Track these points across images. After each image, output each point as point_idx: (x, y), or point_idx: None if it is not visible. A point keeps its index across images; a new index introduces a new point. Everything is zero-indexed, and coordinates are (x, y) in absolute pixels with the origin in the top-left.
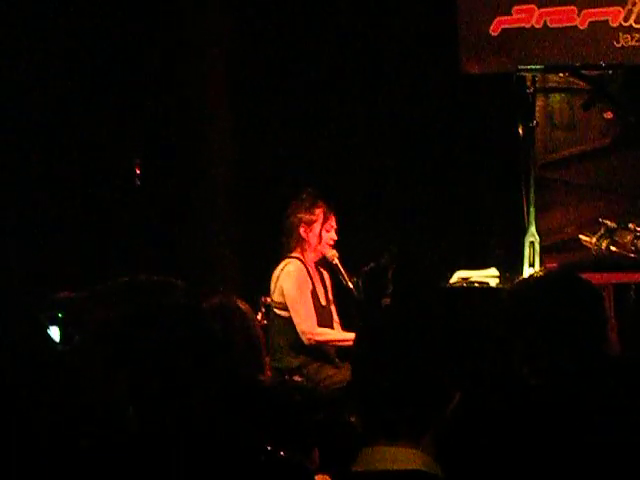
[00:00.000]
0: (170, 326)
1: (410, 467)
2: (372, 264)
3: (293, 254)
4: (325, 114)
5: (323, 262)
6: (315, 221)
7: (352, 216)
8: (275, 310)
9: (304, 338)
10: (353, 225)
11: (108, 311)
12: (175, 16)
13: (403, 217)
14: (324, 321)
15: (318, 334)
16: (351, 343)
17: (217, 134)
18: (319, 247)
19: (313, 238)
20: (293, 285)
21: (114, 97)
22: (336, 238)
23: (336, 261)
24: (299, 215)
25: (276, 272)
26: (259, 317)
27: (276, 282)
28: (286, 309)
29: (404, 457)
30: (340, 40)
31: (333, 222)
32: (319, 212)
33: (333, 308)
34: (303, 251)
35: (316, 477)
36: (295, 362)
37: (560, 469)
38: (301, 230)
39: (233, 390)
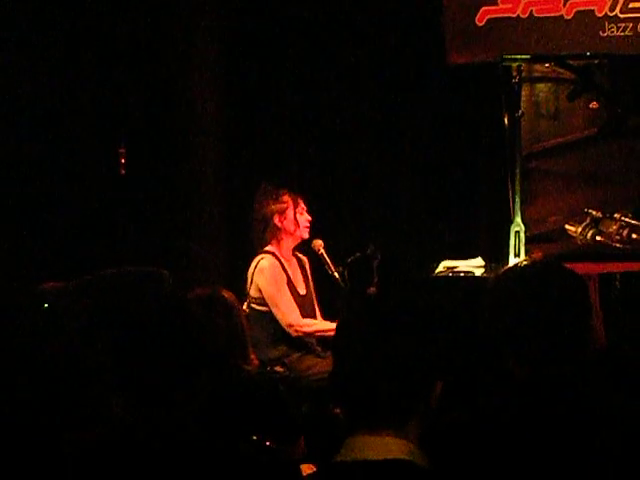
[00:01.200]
0: (155, 317)
1: (395, 456)
2: (358, 254)
3: (267, 248)
4: (309, 105)
5: (303, 249)
6: (287, 207)
7: (337, 206)
8: (252, 305)
9: (291, 331)
10: (338, 215)
11: (96, 303)
12: (165, 10)
13: (389, 207)
14: (305, 310)
15: (305, 325)
16: None
17: (206, 128)
18: (298, 232)
19: (289, 225)
20: (268, 282)
21: (101, 89)
22: (310, 219)
23: (322, 251)
24: (270, 206)
25: (250, 268)
26: (244, 307)
27: (251, 278)
28: (263, 304)
29: (389, 446)
30: (325, 30)
31: (302, 204)
32: (287, 198)
33: (316, 305)
34: (279, 241)
35: (302, 466)
36: (276, 353)
37: (545, 460)
38: (275, 220)
39: (218, 380)
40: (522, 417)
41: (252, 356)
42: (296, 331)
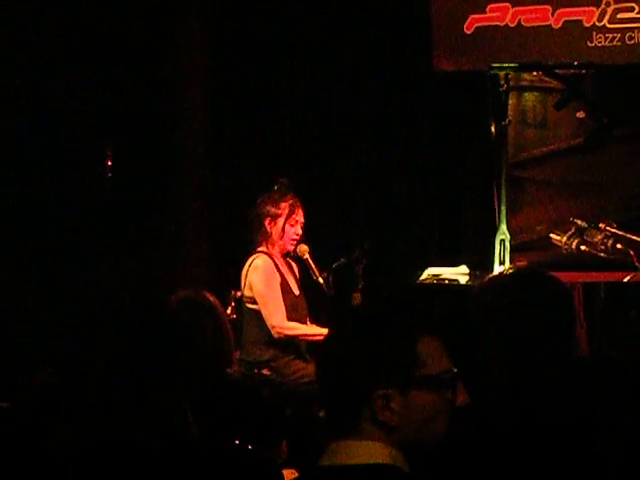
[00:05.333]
0: (137, 326)
1: (377, 461)
2: (343, 260)
3: (260, 248)
4: (298, 108)
5: (292, 255)
6: (280, 215)
7: (323, 211)
8: (246, 305)
9: (273, 332)
10: (324, 220)
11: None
12: (152, 8)
13: (375, 213)
14: (298, 311)
15: (288, 328)
16: (322, 338)
17: (192, 127)
18: (281, 242)
19: (277, 233)
20: (260, 280)
21: (86, 89)
22: (300, 233)
23: (307, 256)
24: (266, 208)
25: (245, 268)
26: (229, 311)
27: (245, 277)
28: (256, 303)
29: (371, 451)
30: (312, 35)
31: (299, 216)
32: (285, 206)
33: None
34: (270, 244)
35: (284, 471)
36: (265, 355)
37: (524, 463)
38: (266, 223)
39: (201, 384)
40: (503, 423)
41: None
42: (278, 333)
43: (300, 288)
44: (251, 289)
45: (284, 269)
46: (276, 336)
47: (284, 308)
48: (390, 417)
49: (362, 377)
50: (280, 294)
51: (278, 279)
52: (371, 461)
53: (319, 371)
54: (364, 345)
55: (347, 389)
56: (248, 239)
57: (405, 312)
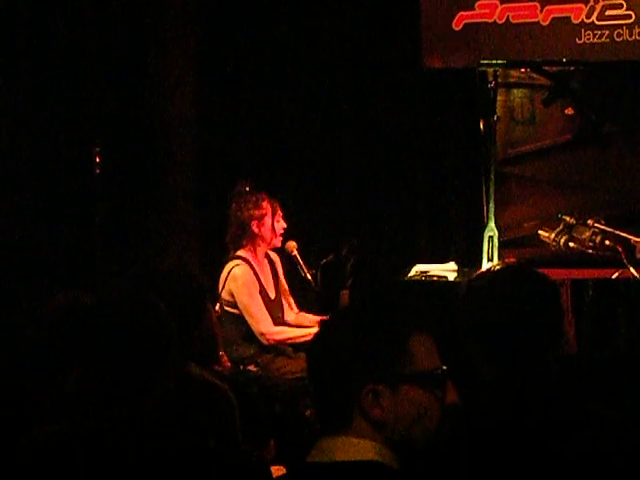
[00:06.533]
0: (124, 317)
1: (366, 458)
2: (332, 256)
3: (240, 253)
4: (285, 105)
5: (277, 249)
6: (265, 215)
7: (312, 208)
8: (224, 307)
9: (262, 339)
10: (313, 217)
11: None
12: (142, 11)
13: (363, 210)
14: (275, 313)
15: (276, 333)
16: (309, 338)
17: (180, 126)
18: (274, 240)
19: (267, 232)
20: (242, 291)
21: (75, 88)
22: (285, 226)
23: (295, 252)
24: (249, 212)
25: (223, 273)
26: (217, 308)
27: (224, 283)
28: (235, 307)
29: (359, 448)
30: (300, 32)
31: (279, 211)
32: (266, 205)
33: (291, 299)
34: (255, 246)
35: (272, 468)
36: (249, 351)
37: (511, 461)
38: (253, 226)
39: (188, 381)
40: (491, 421)
41: (224, 358)
42: (267, 340)
43: (277, 288)
44: (230, 295)
45: (263, 273)
46: (265, 343)
47: (269, 315)
48: (380, 413)
49: (352, 372)
50: (262, 301)
51: (257, 287)
52: (359, 458)
53: (310, 367)
54: (354, 340)
55: (338, 384)
56: (229, 242)
57: (397, 308)
